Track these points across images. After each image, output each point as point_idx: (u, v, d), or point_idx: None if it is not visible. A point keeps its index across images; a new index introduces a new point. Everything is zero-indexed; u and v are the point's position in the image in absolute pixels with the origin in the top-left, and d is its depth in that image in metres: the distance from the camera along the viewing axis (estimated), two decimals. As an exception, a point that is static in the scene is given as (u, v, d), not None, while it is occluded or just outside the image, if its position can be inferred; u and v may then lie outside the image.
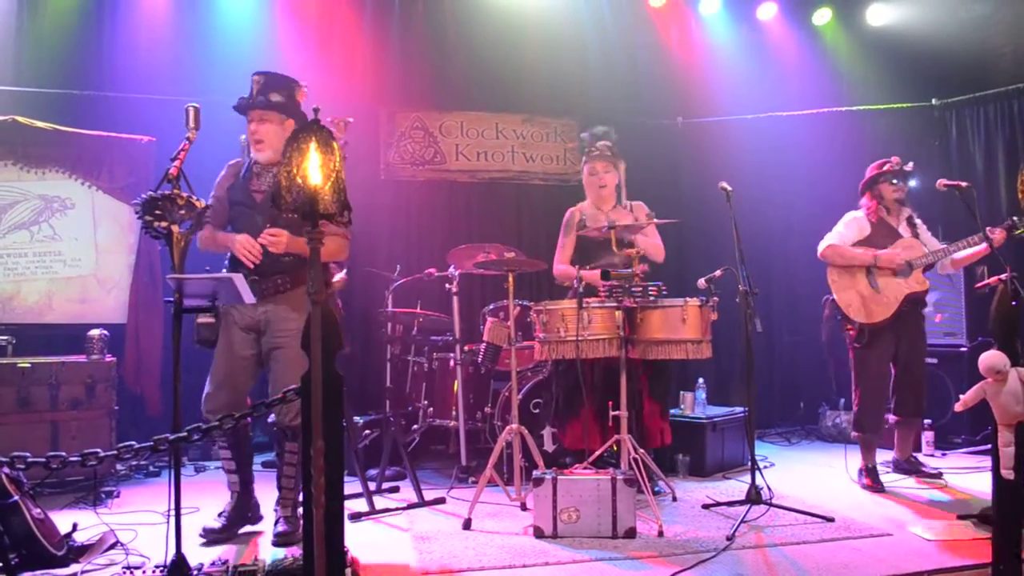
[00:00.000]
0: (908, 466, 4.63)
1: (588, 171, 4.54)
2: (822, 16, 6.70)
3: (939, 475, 4.53)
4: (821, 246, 4.55)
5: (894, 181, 4.51)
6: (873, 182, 4.58)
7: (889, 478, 4.55)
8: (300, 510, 3.53)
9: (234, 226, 3.57)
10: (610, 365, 4.03)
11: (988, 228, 4.02)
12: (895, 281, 4.42)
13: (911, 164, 4.54)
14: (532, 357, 4.77)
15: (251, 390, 3.62)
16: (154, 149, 5.25)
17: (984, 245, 4.23)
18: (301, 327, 3.42)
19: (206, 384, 3.51)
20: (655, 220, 4.31)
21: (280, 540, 3.40)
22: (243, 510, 3.60)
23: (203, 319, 2.97)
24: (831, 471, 4.86)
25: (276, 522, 3.50)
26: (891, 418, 4.61)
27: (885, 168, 4.54)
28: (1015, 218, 4.13)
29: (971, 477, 4.55)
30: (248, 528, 3.61)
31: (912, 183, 4.61)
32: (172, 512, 2.64)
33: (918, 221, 4.61)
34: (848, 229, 4.55)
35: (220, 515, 3.53)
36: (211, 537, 3.42)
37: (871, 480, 4.38)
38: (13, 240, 5.03)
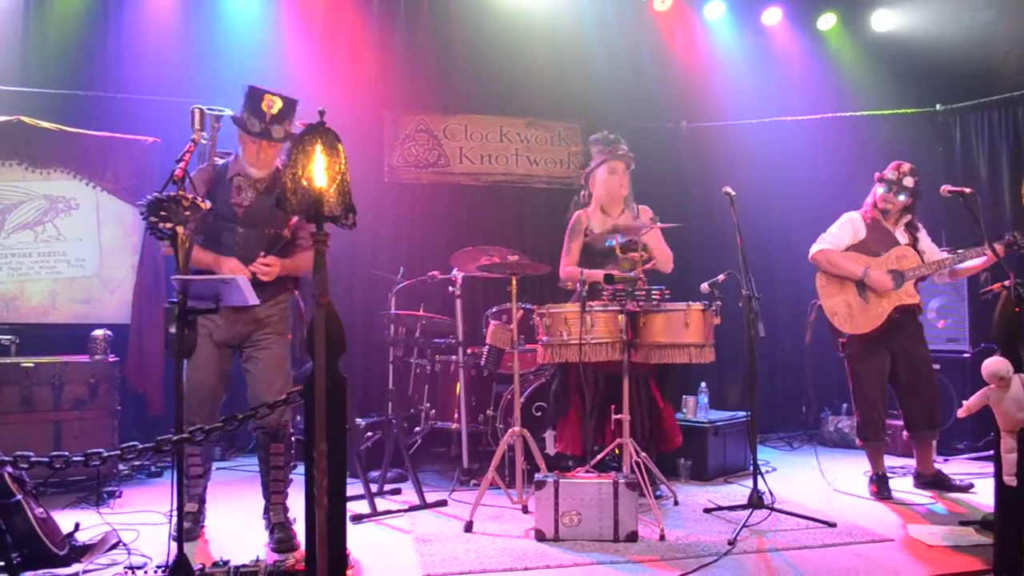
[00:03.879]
0: (934, 480, 4.40)
1: (608, 170, 4.38)
2: (827, 21, 6.69)
3: (969, 487, 4.33)
4: (813, 249, 4.44)
5: (886, 190, 4.39)
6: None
7: (907, 487, 4.49)
8: (290, 513, 3.55)
9: (210, 238, 3.46)
10: (614, 369, 4.02)
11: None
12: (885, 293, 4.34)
13: (911, 180, 4.37)
14: (535, 360, 4.77)
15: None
16: (159, 150, 5.26)
17: (984, 259, 4.20)
18: (279, 336, 3.53)
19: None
20: (659, 224, 4.30)
21: (281, 546, 3.39)
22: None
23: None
24: (833, 476, 4.85)
25: (272, 529, 3.49)
26: (906, 435, 4.49)
27: (884, 174, 4.43)
28: (1015, 234, 4.07)
29: (973, 483, 4.54)
30: (248, 530, 3.61)
31: (901, 198, 4.37)
32: (174, 512, 2.65)
33: (920, 227, 4.49)
34: (842, 230, 4.44)
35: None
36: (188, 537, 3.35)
37: (877, 488, 4.30)
38: (17, 240, 5.04)
